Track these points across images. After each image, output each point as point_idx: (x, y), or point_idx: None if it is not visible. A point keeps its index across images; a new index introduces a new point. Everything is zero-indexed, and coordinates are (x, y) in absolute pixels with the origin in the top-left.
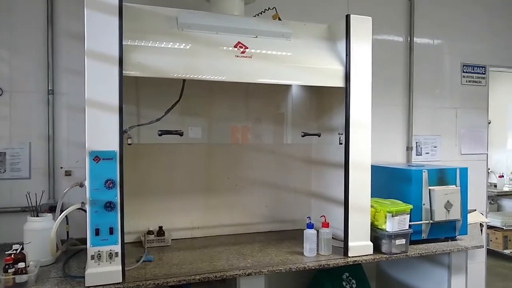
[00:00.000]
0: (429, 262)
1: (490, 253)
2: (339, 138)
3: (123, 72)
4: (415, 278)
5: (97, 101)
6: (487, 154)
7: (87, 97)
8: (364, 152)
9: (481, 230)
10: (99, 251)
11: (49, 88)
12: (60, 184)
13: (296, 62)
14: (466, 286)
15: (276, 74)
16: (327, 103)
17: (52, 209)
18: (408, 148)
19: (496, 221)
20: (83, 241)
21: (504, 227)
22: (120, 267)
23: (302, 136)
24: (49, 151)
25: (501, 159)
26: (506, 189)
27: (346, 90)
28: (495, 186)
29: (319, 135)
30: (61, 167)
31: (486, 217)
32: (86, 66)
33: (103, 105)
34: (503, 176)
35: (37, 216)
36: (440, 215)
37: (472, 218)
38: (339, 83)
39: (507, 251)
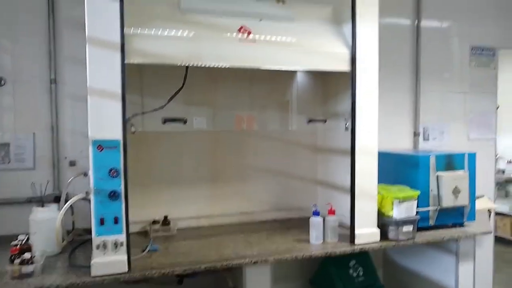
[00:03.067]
0: (437, 249)
1: (498, 240)
2: (345, 124)
3: (125, 59)
4: (422, 265)
5: (99, 89)
6: (495, 139)
7: (89, 85)
8: (370, 138)
9: (489, 216)
10: (104, 240)
11: (52, 77)
12: (65, 174)
13: (300, 46)
14: (474, 273)
15: (280, 59)
16: (333, 88)
17: (57, 199)
18: (415, 134)
19: (503, 207)
20: (89, 231)
21: None
22: (125, 257)
23: (308, 122)
24: (53, 141)
25: (509, 145)
26: None
27: (352, 74)
28: (503, 172)
29: (324, 121)
30: (66, 157)
31: (494, 203)
32: (87, 53)
33: (105, 93)
34: (511, 162)
35: (42, 206)
36: (448, 201)
37: (480, 204)
38: (345, 67)
39: None
